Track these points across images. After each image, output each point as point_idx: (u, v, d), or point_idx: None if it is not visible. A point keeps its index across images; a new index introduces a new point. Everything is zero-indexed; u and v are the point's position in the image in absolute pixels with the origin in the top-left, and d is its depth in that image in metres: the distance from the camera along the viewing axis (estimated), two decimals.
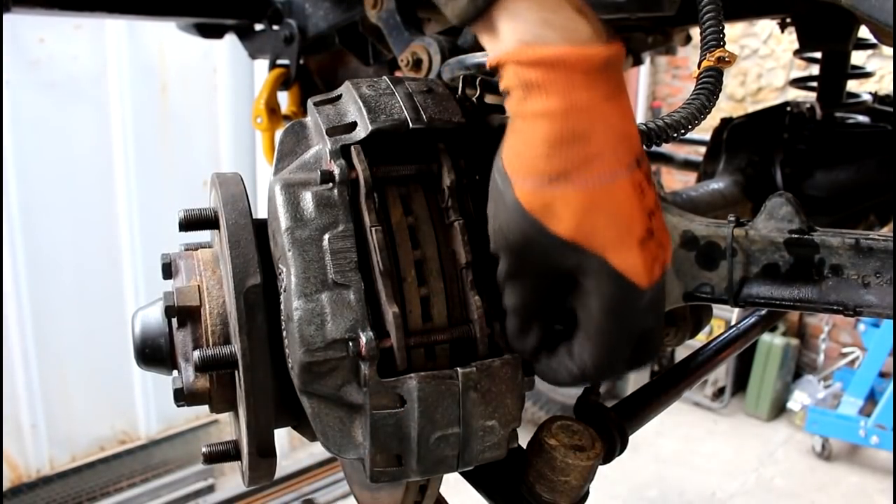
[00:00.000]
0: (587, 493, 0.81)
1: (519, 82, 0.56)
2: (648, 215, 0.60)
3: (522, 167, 0.58)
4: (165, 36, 4.04)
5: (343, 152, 0.70)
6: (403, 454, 0.68)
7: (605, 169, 0.57)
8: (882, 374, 5.15)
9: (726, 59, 0.74)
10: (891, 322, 2.66)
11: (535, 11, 0.55)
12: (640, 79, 6.36)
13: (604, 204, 0.57)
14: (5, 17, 1.46)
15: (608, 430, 0.85)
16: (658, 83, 6.53)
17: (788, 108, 1.58)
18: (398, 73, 1.33)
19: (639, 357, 0.69)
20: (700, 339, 1.20)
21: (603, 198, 0.57)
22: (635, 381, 5.59)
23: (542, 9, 0.55)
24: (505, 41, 0.56)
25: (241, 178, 0.79)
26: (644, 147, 0.67)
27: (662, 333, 0.72)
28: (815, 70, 1.67)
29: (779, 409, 5.69)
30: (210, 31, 1.85)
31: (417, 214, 0.71)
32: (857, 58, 1.69)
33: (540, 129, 0.56)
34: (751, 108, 3.54)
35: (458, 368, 0.67)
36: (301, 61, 1.71)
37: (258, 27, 1.76)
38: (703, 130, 1.02)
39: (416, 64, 1.23)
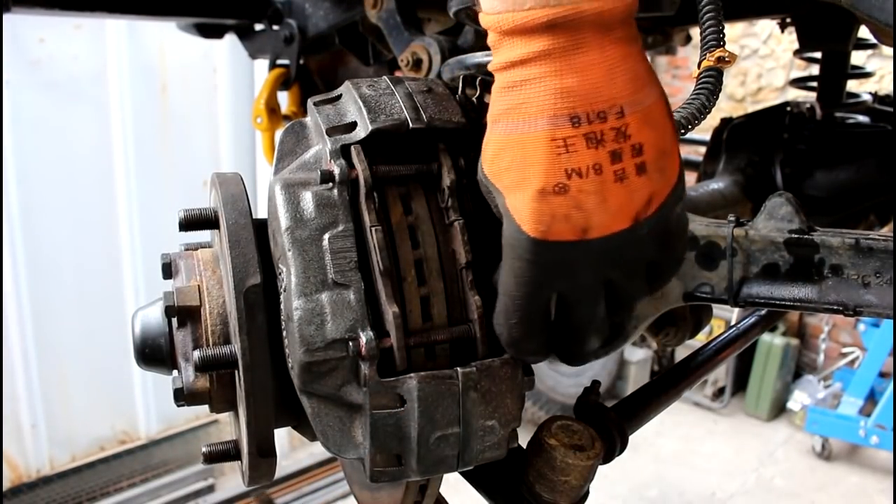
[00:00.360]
0: (587, 493, 0.81)
1: (489, 43, 0.63)
2: (567, 172, 0.59)
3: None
4: (165, 36, 4.04)
5: (343, 152, 0.70)
6: (403, 454, 0.68)
7: (522, 118, 0.60)
8: (882, 374, 5.15)
9: (726, 59, 0.74)
10: (891, 322, 2.66)
11: None
12: None
13: (511, 148, 0.62)
14: (5, 17, 1.46)
15: (608, 430, 0.85)
16: None
17: (788, 108, 1.59)
18: (398, 73, 1.33)
19: (562, 330, 0.68)
20: (700, 339, 1.20)
21: (512, 142, 0.61)
22: (635, 381, 5.60)
23: None
24: (481, 7, 0.63)
25: (241, 178, 0.79)
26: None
27: (587, 314, 0.68)
28: (815, 70, 1.67)
29: (779, 409, 5.69)
30: (210, 31, 1.86)
31: (417, 214, 0.71)
32: (857, 58, 1.69)
33: (496, 81, 0.63)
34: (751, 108, 3.55)
35: (458, 368, 0.67)
36: (301, 61, 1.71)
37: (258, 27, 1.76)
38: (703, 130, 1.02)
39: (416, 64, 1.23)
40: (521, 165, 0.61)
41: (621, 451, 0.87)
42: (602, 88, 0.59)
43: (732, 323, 1.55)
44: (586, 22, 0.57)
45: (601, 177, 0.60)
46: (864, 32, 1.53)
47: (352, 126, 0.72)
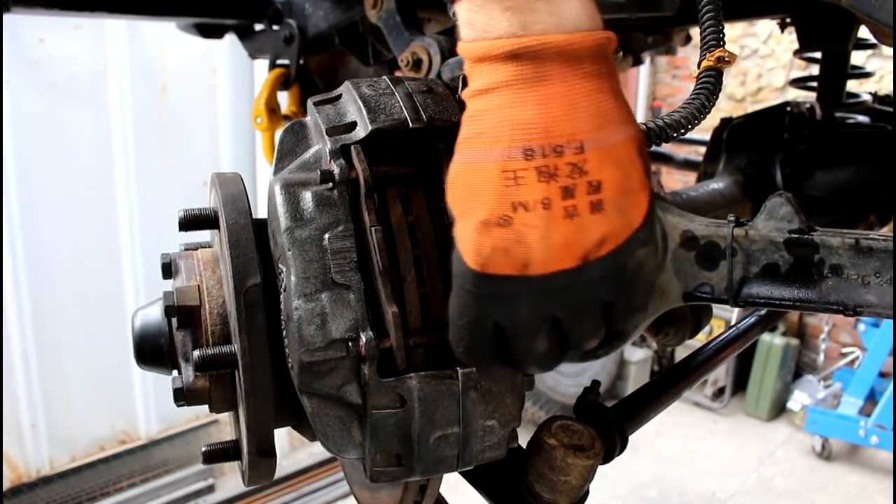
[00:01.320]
0: (587, 493, 0.81)
1: (464, 71, 0.63)
2: (513, 205, 0.58)
3: None
4: (165, 36, 4.04)
5: (343, 152, 0.70)
6: (403, 454, 0.68)
7: (478, 147, 0.60)
8: (882, 374, 5.15)
9: (726, 59, 0.74)
10: (891, 322, 2.65)
11: (465, 11, 0.60)
12: (640, 79, 6.36)
13: (464, 177, 0.61)
14: (5, 17, 1.46)
15: (608, 429, 0.85)
16: (658, 83, 6.54)
17: (788, 108, 1.59)
18: (398, 73, 1.33)
19: (505, 357, 0.67)
20: (700, 339, 1.20)
21: (466, 171, 0.61)
22: (635, 381, 5.60)
23: (470, 9, 0.59)
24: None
25: (241, 178, 0.79)
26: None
27: (525, 346, 0.65)
28: (815, 70, 1.68)
29: (779, 409, 5.69)
30: (210, 31, 1.85)
31: (417, 214, 0.71)
32: (857, 58, 1.69)
33: (466, 108, 0.63)
34: (751, 108, 3.55)
35: (458, 368, 0.67)
36: (301, 61, 1.71)
37: (258, 27, 1.76)
38: (703, 130, 1.02)
39: (416, 64, 1.23)
40: (470, 195, 0.60)
41: (621, 451, 0.87)
42: (562, 122, 0.57)
43: (732, 323, 1.55)
44: (551, 53, 0.57)
45: (548, 212, 0.58)
46: (864, 32, 1.53)
47: (352, 126, 0.72)
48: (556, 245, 0.59)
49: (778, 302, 0.74)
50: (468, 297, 0.63)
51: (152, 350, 0.79)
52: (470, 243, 0.61)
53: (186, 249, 0.85)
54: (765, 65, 5.74)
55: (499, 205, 0.59)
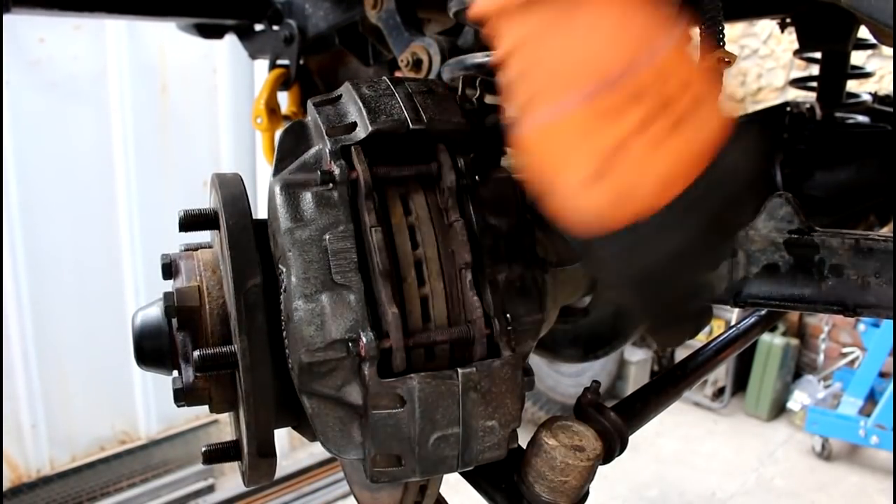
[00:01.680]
0: (587, 493, 0.81)
1: (490, 34, 0.58)
2: (611, 147, 0.53)
3: None
4: (165, 36, 4.04)
5: (343, 153, 0.70)
6: (403, 454, 0.68)
7: (545, 104, 0.55)
8: (882, 374, 5.15)
9: (726, 60, 0.74)
10: (891, 322, 2.66)
11: None
12: None
13: (545, 139, 0.56)
14: (5, 17, 1.46)
15: (608, 430, 0.85)
16: None
17: (788, 108, 1.58)
18: (398, 74, 1.33)
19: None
20: (700, 339, 1.20)
21: (545, 132, 0.56)
22: (635, 381, 5.60)
23: None
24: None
25: (241, 179, 0.79)
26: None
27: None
28: (815, 70, 1.67)
29: (779, 409, 5.69)
30: (210, 31, 1.85)
31: (417, 215, 0.71)
32: (857, 58, 1.69)
33: (504, 73, 0.58)
34: (751, 108, 3.54)
35: (458, 369, 0.67)
36: (301, 61, 1.71)
37: (258, 27, 1.76)
38: None
39: (416, 64, 1.23)
40: (561, 154, 0.56)
41: (621, 452, 0.87)
42: (617, 44, 0.53)
43: (732, 323, 1.55)
44: None
45: (645, 137, 0.53)
46: (864, 32, 1.53)
47: (352, 127, 0.72)
48: (665, 170, 0.54)
49: (778, 302, 0.74)
50: (620, 258, 0.58)
51: (152, 350, 0.79)
52: (586, 203, 0.55)
53: (187, 250, 0.85)
54: (765, 65, 5.74)
55: (596, 153, 0.53)
